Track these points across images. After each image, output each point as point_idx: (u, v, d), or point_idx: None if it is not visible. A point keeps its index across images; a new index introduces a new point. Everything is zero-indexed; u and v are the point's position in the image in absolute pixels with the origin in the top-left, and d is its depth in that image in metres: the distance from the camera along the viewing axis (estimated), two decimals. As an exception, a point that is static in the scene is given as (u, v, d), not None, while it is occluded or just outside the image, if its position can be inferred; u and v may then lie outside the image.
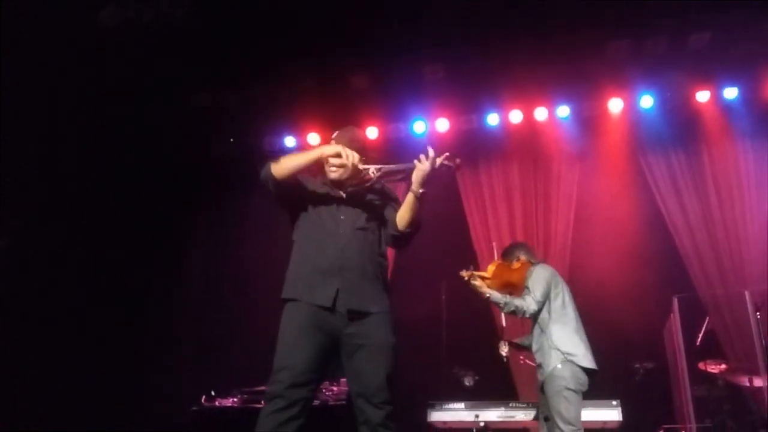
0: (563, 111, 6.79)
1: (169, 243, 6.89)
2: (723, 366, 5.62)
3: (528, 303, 4.00)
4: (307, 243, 2.99)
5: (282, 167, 2.92)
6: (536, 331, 4.07)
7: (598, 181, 6.82)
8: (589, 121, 6.85)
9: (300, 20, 5.74)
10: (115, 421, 5.81)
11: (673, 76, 6.39)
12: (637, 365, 5.66)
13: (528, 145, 6.99)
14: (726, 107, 6.53)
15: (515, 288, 4.20)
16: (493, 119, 6.94)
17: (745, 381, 5.51)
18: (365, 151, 3.10)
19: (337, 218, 2.99)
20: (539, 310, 4.02)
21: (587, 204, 6.79)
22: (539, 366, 4.02)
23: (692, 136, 6.64)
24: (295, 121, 7.15)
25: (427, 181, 2.93)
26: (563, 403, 3.79)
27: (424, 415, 4.83)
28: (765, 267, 6.01)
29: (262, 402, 2.83)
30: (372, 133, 7.10)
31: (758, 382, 5.38)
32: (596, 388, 4.90)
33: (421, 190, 2.94)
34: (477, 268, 6.68)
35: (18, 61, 5.29)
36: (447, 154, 2.97)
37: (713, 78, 6.45)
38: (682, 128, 6.63)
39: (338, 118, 7.18)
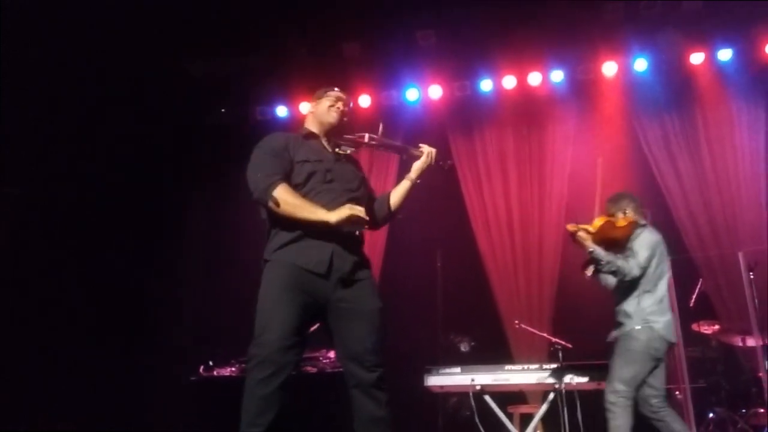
0: (557, 75, 6.73)
1: (167, 213, 6.88)
2: (716, 327, 5.69)
3: (631, 266, 3.90)
4: None
5: (281, 212, 2.81)
6: (627, 289, 3.98)
7: (593, 145, 6.81)
8: (583, 86, 6.81)
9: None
10: (113, 392, 5.88)
11: (667, 38, 6.34)
12: (632, 328, 5.70)
13: (522, 110, 6.95)
14: (720, 69, 6.49)
15: (615, 245, 4.05)
16: (486, 85, 6.89)
17: (738, 341, 5.58)
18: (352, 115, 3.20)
19: (328, 183, 2.96)
20: (640, 276, 3.93)
21: (582, 168, 6.78)
22: (618, 324, 3.97)
23: (686, 98, 6.60)
24: (286, 90, 7.10)
25: (426, 173, 3.12)
26: (626, 361, 3.80)
27: (421, 380, 4.88)
28: (758, 228, 6.06)
29: (249, 365, 2.72)
30: (365, 101, 7.05)
31: (751, 342, 5.45)
32: (592, 349, 4.99)
33: (418, 181, 3.11)
34: (473, 236, 6.77)
35: (14, 25, 5.23)
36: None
37: (707, 39, 6.40)
38: (677, 91, 6.59)
39: (329, 87, 7.15)
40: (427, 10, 6.23)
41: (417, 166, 3.11)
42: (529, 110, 6.93)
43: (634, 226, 4.06)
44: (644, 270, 3.92)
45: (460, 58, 6.76)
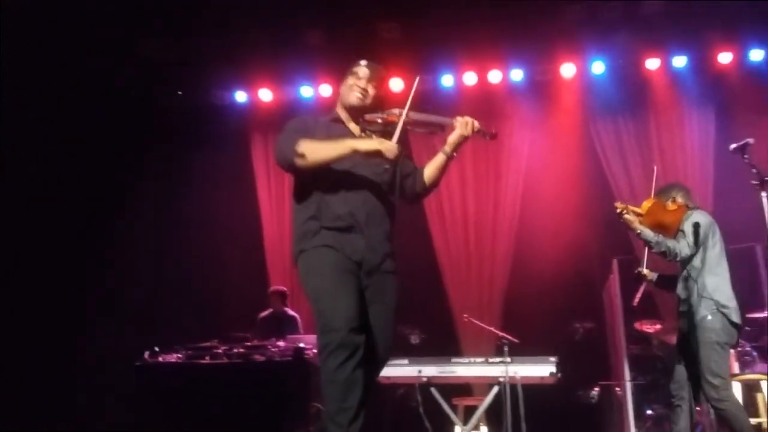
0: (517, 74, 6.82)
1: (114, 196, 6.74)
2: (658, 326, 5.81)
3: (681, 246, 3.81)
4: (327, 192, 2.76)
5: (310, 161, 2.67)
6: (685, 278, 3.92)
7: (548, 145, 6.92)
8: (542, 85, 6.91)
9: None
10: (57, 376, 5.78)
11: (624, 43, 6.46)
12: (578, 324, 5.83)
13: (481, 107, 6.99)
14: (674, 75, 6.66)
15: (666, 230, 3.98)
16: (447, 80, 6.93)
17: (678, 340, 5.73)
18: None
19: (358, 166, 2.77)
20: (691, 257, 3.85)
21: (536, 167, 6.90)
22: (682, 314, 3.92)
23: (641, 102, 6.77)
24: (246, 75, 7.03)
25: (463, 144, 2.90)
26: (714, 356, 3.69)
27: (369, 371, 4.89)
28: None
29: (322, 355, 2.56)
30: (326, 90, 7.04)
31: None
32: (536, 344, 5.09)
33: (455, 153, 2.91)
34: (427, 229, 6.83)
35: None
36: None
37: (664, 46, 6.55)
38: (631, 95, 6.75)
39: (291, 75, 7.10)
40: (389, 2, 6.22)
41: (452, 139, 2.87)
42: (488, 107, 6.98)
43: (683, 209, 4.03)
44: (695, 250, 3.85)
45: (422, 52, 6.77)
